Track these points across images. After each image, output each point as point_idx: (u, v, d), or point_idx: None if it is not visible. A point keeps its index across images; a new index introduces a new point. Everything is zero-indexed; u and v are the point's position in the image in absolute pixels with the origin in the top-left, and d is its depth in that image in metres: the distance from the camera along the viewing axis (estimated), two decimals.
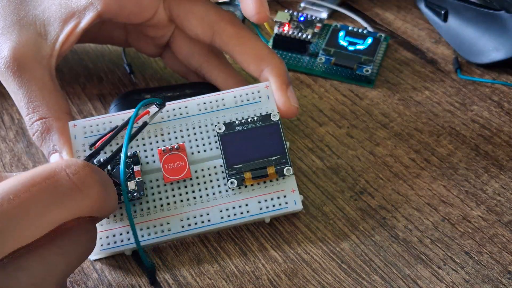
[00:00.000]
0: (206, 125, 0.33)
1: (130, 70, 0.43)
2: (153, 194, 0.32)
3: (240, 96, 0.34)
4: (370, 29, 0.46)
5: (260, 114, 0.34)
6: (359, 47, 0.43)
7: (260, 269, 0.32)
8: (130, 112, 0.33)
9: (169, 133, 0.33)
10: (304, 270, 0.32)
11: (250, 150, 0.33)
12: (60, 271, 0.26)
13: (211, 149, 0.33)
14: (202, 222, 0.32)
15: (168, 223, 0.32)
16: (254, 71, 0.35)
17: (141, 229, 0.32)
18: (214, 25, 0.36)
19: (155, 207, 0.32)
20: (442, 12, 0.44)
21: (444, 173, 0.36)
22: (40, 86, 0.34)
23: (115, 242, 0.32)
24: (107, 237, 0.32)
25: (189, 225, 0.32)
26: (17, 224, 0.23)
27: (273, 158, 0.33)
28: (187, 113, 0.34)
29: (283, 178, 0.33)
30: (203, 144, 0.33)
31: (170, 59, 0.41)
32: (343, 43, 0.43)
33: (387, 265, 0.32)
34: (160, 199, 0.32)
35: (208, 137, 0.33)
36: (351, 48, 0.43)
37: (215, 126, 0.33)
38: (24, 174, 0.24)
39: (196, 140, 0.33)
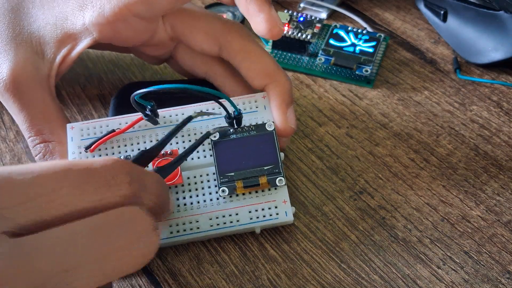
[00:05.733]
0: (201, 132, 0.33)
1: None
2: None
3: (237, 105, 0.34)
4: (369, 29, 0.46)
5: (256, 123, 0.33)
6: (358, 47, 0.43)
7: (260, 269, 0.32)
8: (127, 117, 0.34)
9: None
10: (303, 269, 0.32)
11: (243, 159, 0.32)
12: (92, 264, 0.22)
13: (205, 156, 0.33)
14: (191, 229, 0.32)
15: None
16: (258, 85, 0.35)
17: None
18: (220, 38, 0.35)
19: None
20: (442, 12, 0.44)
21: (443, 173, 0.36)
22: (41, 108, 0.33)
23: None
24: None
25: (178, 231, 0.32)
26: (44, 195, 0.22)
27: (265, 168, 0.32)
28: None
29: (275, 189, 0.32)
30: (197, 151, 0.33)
31: (175, 66, 0.40)
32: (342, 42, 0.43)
33: (386, 265, 0.32)
34: None
35: (202, 144, 0.33)
36: (350, 48, 0.43)
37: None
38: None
39: None
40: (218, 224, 0.32)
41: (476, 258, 0.32)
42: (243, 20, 0.47)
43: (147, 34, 0.35)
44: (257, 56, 0.35)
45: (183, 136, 0.33)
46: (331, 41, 0.43)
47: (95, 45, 0.36)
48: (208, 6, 0.49)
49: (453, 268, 0.31)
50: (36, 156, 0.34)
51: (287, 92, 0.34)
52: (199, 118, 0.34)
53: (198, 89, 0.30)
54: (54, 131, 0.33)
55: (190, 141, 0.33)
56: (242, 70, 0.35)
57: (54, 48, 0.34)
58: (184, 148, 0.33)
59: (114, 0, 0.33)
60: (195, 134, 0.33)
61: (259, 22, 0.31)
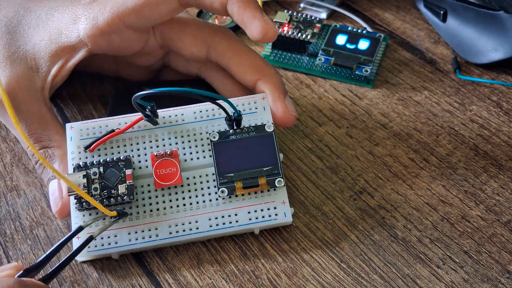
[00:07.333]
0: (200, 133, 0.33)
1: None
2: (143, 199, 0.32)
3: (236, 106, 0.34)
4: (369, 29, 0.46)
5: (255, 124, 0.34)
6: (358, 47, 0.43)
7: (260, 268, 0.32)
8: (126, 117, 0.34)
9: (163, 139, 0.33)
10: (303, 269, 0.32)
11: (243, 160, 0.33)
12: None
13: (204, 157, 0.33)
14: (191, 229, 0.32)
15: (156, 229, 0.32)
16: (250, 81, 0.35)
17: (129, 233, 0.32)
18: (208, 40, 0.36)
19: (144, 212, 0.32)
20: (441, 12, 0.44)
21: (443, 172, 0.36)
22: (38, 118, 0.35)
23: (102, 245, 0.31)
24: (95, 239, 0.32)
25: (177, 231, 0.32)
26: None
27: (265, 169, 0.33)
28: (183, 120, 0.34)
29: (274, 190, 0.33)
30: (197, 152, 0.33)
31: (169, 74, 0.41)
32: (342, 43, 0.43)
33: (386, 265, 0.32)
34: (150, 204, 0.32)
35: (202, 145, 0.33)
36: (350, 48, 0.43)
37: (209, 134, 0.33)
38: None
39: (190, 147, 0.33)
40: (217, 225, 0.32)
41: (475, 258, 0.32)
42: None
43: (140, 44, 0.37)
44: (245, 53, 0.36)
45: (182, 136, 0.33)
46: (331, 41, 0.43)
47: (84, 66, 0.38)
48: (200, 13, 0.49)
49: (453, 267, 0.31)
50: (36, 163, 0.35)
51: (280, 83, 0.35)
52: (199, 118, 0.34)
53: (200, 93, 0.30)
54: (52, 137, 0.34)
55: (189, 141, 0.33)
56: (232, 67, 0.36)
57: (49, 61, 0.35)
58: (184, 148, 0.33)
59: (107, 11, 0.34)
60: (194, 134, 0.33)
61: (254, 28, 0.33)
